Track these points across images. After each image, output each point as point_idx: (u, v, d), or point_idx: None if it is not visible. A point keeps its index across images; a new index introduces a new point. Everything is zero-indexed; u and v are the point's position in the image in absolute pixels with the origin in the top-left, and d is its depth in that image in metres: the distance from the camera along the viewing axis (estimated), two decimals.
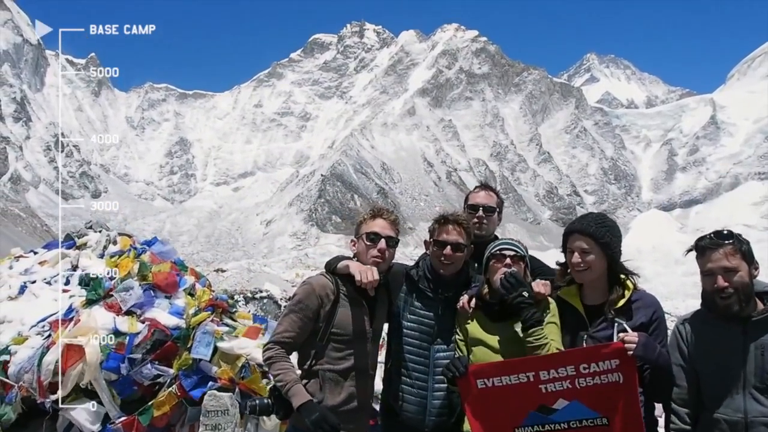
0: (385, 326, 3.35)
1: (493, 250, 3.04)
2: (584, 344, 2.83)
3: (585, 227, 2.87)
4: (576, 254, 2.85)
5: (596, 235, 2.84)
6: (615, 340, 2.68)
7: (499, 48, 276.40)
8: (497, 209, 3.69)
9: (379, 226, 3.07)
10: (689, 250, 2.77)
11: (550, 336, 2.88)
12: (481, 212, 3.56)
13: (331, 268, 3.11)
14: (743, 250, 2.64)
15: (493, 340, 2.96)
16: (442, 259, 3.10)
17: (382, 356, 3.44)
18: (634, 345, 2.57)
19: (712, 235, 2.68)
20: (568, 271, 2.97)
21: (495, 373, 2.73)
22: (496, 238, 3.58)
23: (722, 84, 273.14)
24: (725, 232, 2.67)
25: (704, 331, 2.75)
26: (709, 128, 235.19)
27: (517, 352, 2.89)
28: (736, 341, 2.63)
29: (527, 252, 3.10)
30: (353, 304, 3.06)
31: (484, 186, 3.84)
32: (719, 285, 2.61)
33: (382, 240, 3.05)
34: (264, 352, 2.97)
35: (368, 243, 3.04)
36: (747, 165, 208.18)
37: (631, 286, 2.89)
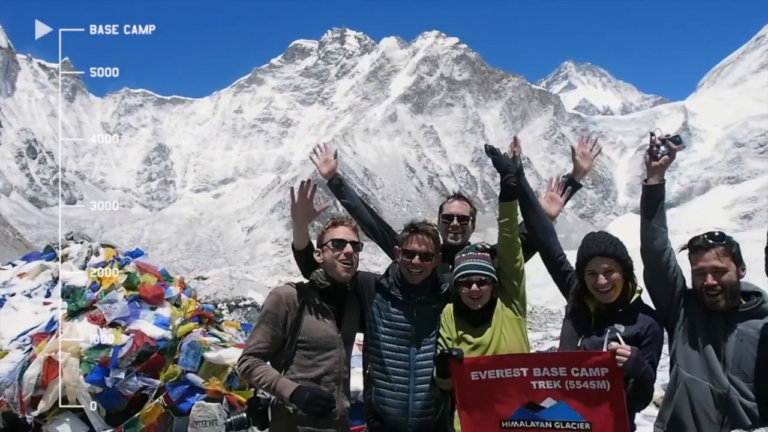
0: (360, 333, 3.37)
1: (459, 276, 3.07)
2: (578, 344, 2.93)
3: (606, 249, 2.95)
4: (601, 276, 2.91)
5: (618, 254, 2.94)
6: (604, 347, 2.76)
7: (479, 55, 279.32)
8: (471, 218, 3.80)
9: (343, 232, 3.11)
10: (683, 248, 2.90)
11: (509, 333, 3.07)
12: (455, 222, 3.65)
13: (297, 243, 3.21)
14: (733, 251, 2.77)
15: (473, 339, 3.06)
16: (410, 268, 3.14)
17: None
18: (625, 359, 2.65)
19: (706, 235, 2.80)
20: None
21: (490, 366, 2.80)
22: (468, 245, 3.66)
23: (693, 92, 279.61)
24: (717, 233, 2.80)
25: (691, 313, 2.89)
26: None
27: (495, 348, 3.01)
28: (719, 329, 2.78)
29: (494, 266, 3.14)
30: (319, 311, 3.09)
31: (458, 196, 3.92)
32: (708, 283, 2.75)
33: (348, 245, 3.08)
34: (240, 365, 2.97)
35: (334, 249, 3.06)
36: (717, 170, 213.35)
37: (637, 293, 2.99)
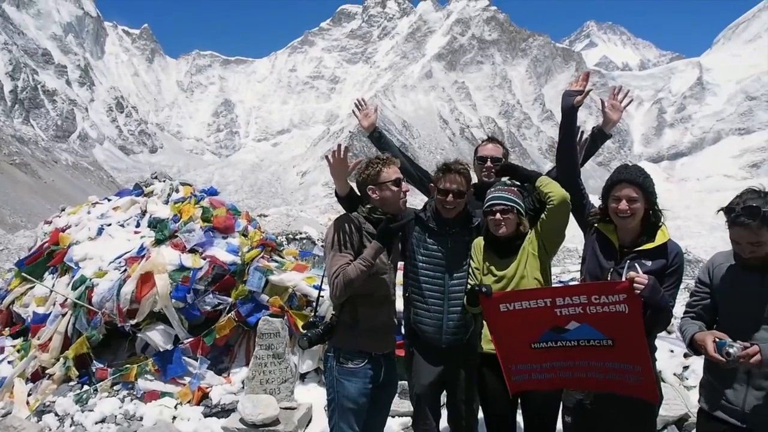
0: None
1: (485, 207, 3.02)
2: (609, 277, 2.83)
3: (634, 177, 2.76)
4: (624, 202, 2.74)
5: (644, 185, 2.76)
6: (624, 277, 2.67)
7: (508, 16, 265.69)
8: (503, 159, 3.64)
9: (398, 172, 3.07)
10: (720, 210, 2.62)
11: (529, 266, 2.96)
12: (489, 163, 3.55)
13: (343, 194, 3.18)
14: None
15: (497, 272, 3.01)
16: (445, 205, 3.11)
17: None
18: (642, 286, 2.54)
19: (741, 210, 2.44)
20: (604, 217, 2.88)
21: (516, 299, 2.80)
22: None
23: (709, 48, 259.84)
24: (754, 206, 2.43)
25: (728, 270, 2.67)
26: (696, 89, 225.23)
27: (516, 283, 2.96)
28: (755, 282, 2.56)
29: (520, 195, 3.03)
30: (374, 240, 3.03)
31: (491, 139, 3.75)
32: (746, 255, 2.54)
33: (403, 182, 3.09)
34: (338, 279, 2.80)
35: (397, 188, 3.02)
36: (728, 122, 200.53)
37: (667, 234, 2.80)
